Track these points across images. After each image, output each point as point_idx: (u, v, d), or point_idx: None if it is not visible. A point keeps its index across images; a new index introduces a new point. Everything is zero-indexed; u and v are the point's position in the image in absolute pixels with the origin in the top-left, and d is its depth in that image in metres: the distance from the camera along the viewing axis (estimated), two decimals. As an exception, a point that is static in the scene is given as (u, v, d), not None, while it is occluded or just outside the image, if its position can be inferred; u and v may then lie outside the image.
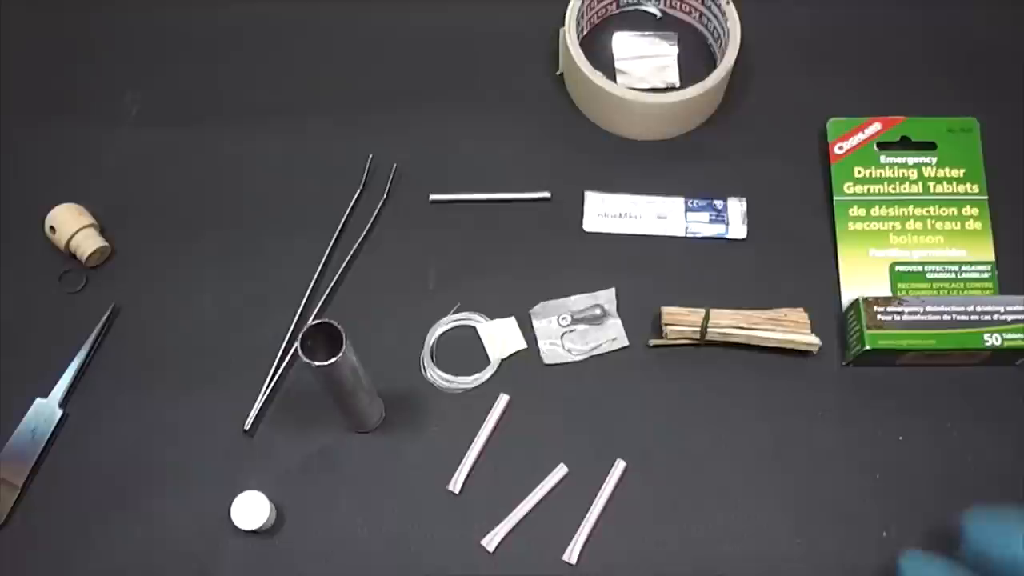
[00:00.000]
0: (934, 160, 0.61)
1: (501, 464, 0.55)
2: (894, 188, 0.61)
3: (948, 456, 0.55)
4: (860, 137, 0.62)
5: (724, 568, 0.53)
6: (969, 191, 0.61)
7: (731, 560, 0.53)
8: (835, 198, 0.61)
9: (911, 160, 0.62)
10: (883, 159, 0.62)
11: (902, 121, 0.62)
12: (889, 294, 0.58)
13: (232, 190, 0.63)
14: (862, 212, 0.60)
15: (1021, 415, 0.56)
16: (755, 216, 0.61)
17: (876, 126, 0.62)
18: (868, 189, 0.61)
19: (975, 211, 0.60)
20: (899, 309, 0.55)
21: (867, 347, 0.55)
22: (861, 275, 0.59)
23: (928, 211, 0.60)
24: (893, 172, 0.61)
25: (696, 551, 0.53)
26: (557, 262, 0.60)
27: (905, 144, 0.62)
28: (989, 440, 0.55)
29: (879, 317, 0.55)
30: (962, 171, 0.61)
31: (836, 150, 0.62)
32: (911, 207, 0.61)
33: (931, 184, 0.61)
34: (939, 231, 0.60)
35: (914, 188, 0.61)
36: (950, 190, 0.61)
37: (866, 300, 0.56)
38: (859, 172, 0.61)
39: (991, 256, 0.59)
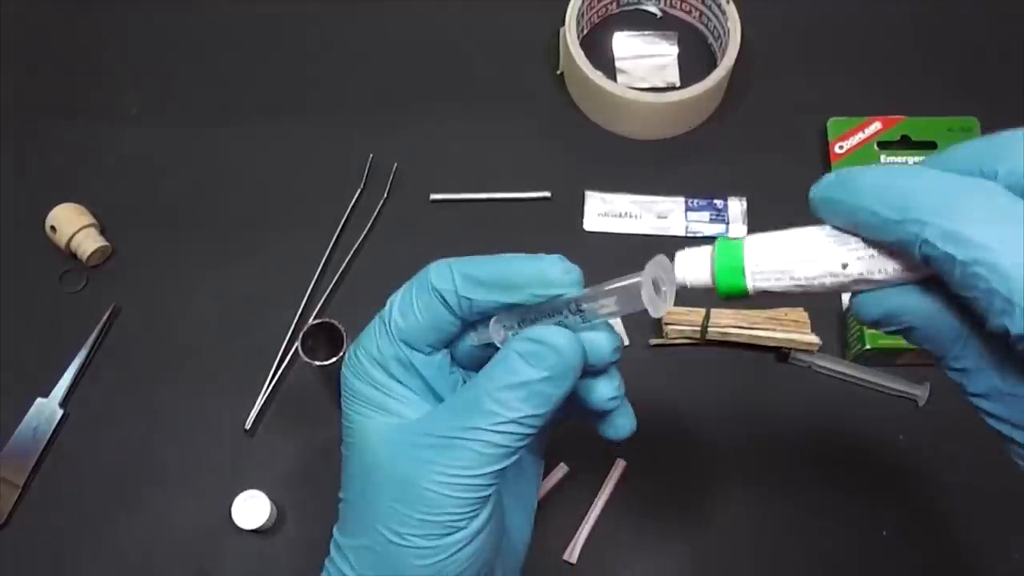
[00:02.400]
0: (934, 160, 0.61)
1: (501, 464, 0.55)
2: (894, 188, 0.61)
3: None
4: (860, 136, 0.62)
5: (724, 567, 0.53)
6: (969, 190, 0.61)
7: (731, 559, 0.53)
8: (835, 198, 0.61)
9: (911, 159, 0.62)
10: (883, 158, 0.62)
11: (902, 120, 0.62)
12: (889, 294, 0.58)
13: (232, 190, 0.63)
14: (862, 212, 0.60)
15: None
16: (755, 216, 0.61)
17: (876, 125, 0.62)
18: (868, 189, 0.61)
19: (975, 210, 0.60)
20: None
21: (867, 346, 0.55)
22: (861, 274, 0.59)
23: (928, 210, 0.60)
24: (893, 172, 0.61)
25: (696, 550, 0.53)
26: (557, 262, 0.60)
27: (905, 143, 0.62)
28: (989, 440, 0.55)
29: None
30: None
31: (836, 149, 0.62)
32: (911, 207, 0.60)
33: (931, 183, 0.61)
34: (939, 230, 0.60)
35: (914, 187, 0.61)
36: (950, 189, 0.61)
37: None
38: (859, 172, 0.61)
39: (991, 255, 0.59)
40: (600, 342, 0.31)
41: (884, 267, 0.26)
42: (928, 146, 0.62)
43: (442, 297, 0.32)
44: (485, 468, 0.30)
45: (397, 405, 0.33)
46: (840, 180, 0.26)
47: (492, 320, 0.32)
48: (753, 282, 0.27)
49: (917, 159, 0.62)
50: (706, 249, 0.29)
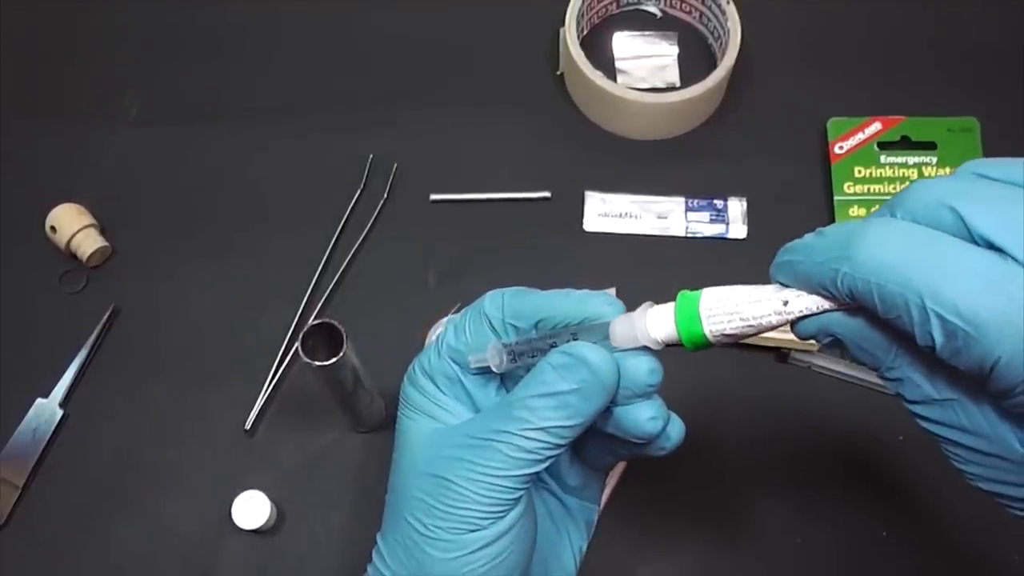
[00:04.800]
0: (934, 160, 0.61)
1: (501, 464, 0.55)
2: (894, 188, 0.61)
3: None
4: (860, 137, 0.62)
5: (723, 566, 0.53)
6: (969, 191, 0.61)
7: (731, 560, 0.53)
8: (835, 198, 0.61)
9: (911, 160, 0.62)
10: (883, 159, 0.62)
11: (902, 121, 0.62)
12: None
13: (232, 190, 0.63)
14: (862, 212, 0.60)
15: None
16: (755, 216, 0.61)
17: (876, 126, 0.62)
18: (868, 189, 0.61)
19: (975, 211, 0.60)
20: None
21: None
22: (861, 275, 0.59)
23: (928, 211, 0.60)
24: (893, 172, 0.61)
25: (696, 551, 0.53)
26: (557, 262, 0.60)
27: (905, 144, 0.62)
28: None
29: None
30: None
31: (836, 150, 0.62)
32: (911, 207, 0.60)
33: (931, 184, 0.61)
34: (939, 231, 0.60)
35: (914, 188, 0.61)
36: (950, 190, 0.61)
37: None
38: (859, 172, 0.61)
39: (991, 256, 0.59)
40: (637, 366, 0.32)
41: (821, 304, 0.28)
42: (928, 146, 0.62)
43: (490, 322, 0.34)
44: (513, 471, 0.32)
45: (441, 412, 0.35)
46: (785, 247, 0.30)
47: (491, 343, 0.34)
48: (709, 326, 0.30)
49: (917, 159, 0.62)
50: (669, 306, 0.32)
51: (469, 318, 0.35)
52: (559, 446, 0.32)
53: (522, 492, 0.33)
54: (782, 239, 0.65)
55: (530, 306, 0.34)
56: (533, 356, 0.33)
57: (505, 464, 0.32)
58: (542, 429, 0.31)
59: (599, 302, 0.33)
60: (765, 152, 0.63)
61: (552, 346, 0.32)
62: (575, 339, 0.32)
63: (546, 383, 0.31)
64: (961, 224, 0.24)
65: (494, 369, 0.33)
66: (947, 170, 0.61)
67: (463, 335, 0.35)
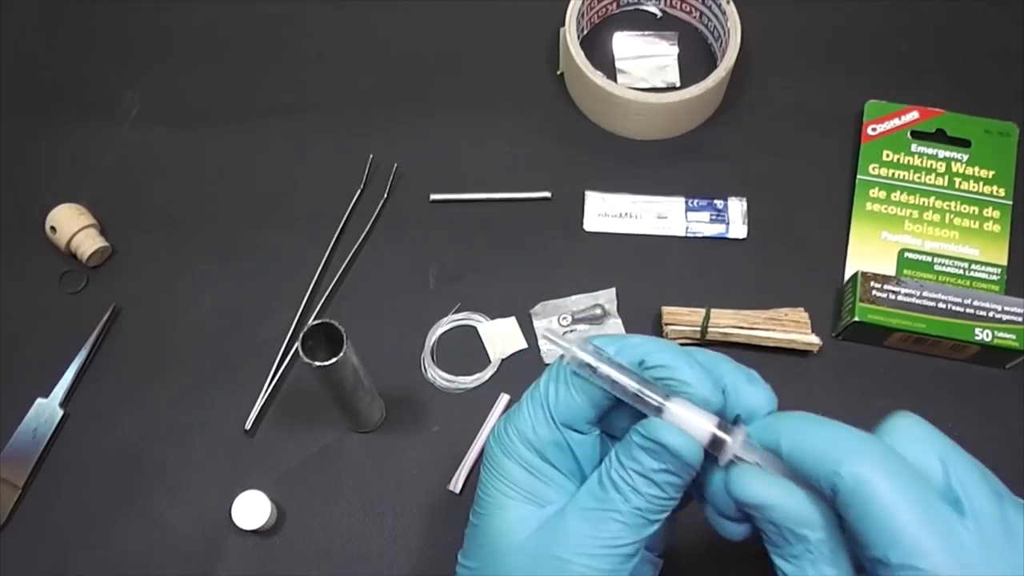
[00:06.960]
0: (965, 157, 0.61)
1: (501, 464, 0.55)
2: (919, 177, 0.61)
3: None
4: (896, 123, 0.62)
5: (724, 568, 0.53)
6: (995, 193, 0.60)
7: (731, 559, 0.53)
8: (858, 176, 0.61)
9: (942, 153, 0.61)
10: (914, 147, 0.61)
11: (941, 114, 0.62)
12: (893, 275, 0.58)
13: (232, 190, 0.63)
14: (882, 194, 0.60)
15: (1015, 417, 0.56)
16: (755, 216, 0.61)
17: (914, 114, 0.62)
18: (893, 173, 0.61)
19: (996, 214, 0.60)
20: (896, 288, 0.55)
21: (855, 319, 0.55)
22: (869, 256, 0.59)
23: (949, 205, 0.60)
24: (922, 161, 0.61)
25: (696, 551, 0.53)
26: (557, 262, 0.60)
27: (940, 137, 0.62)
28: (987, 441, 0.55)
29: (874, 292, 0.55)
30: (992, 173, 0.61)
31: (869, 131, 0.62)
32: (932, 198, 0.60)
33: (957, 180, 0.61)
34: (956, 226, 0.60)
35: (939, 181, 0.61)
36: (975, 189, 0.61)
37: (864, 274, 0.56)
38: (888, 155, 0.61)
39: (1004, 260, 0.59)
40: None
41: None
42: (962, 143, 0.61)
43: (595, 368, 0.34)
44: (628, 538, 0.33)
45: (545, 489, 0.35)
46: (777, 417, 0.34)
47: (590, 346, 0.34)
48: None
49: (948, 154, 0.61)
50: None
51: (569, 374, 0.34)
52: (664, 508, 0.33)
53: (636, 559, 0.33)
54: (782, 239, 0.65)
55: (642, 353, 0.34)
56: (615, 382, 0.33)
57: (621, 532, 0.32)
58: (643, 496, 0.32)
59: (706, 386, 0.34)
60: (765, 152, 0.63)
61: (639, 385, 0.33)
62: (661, 394, 0.33)
63: (635, 460, 0.32)
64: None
65: (576, 353, 0.33)
66: (976, 169, 0.61)
67: (569, 393, 0.34)
